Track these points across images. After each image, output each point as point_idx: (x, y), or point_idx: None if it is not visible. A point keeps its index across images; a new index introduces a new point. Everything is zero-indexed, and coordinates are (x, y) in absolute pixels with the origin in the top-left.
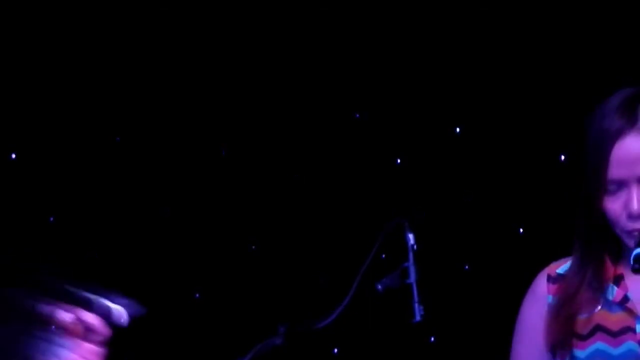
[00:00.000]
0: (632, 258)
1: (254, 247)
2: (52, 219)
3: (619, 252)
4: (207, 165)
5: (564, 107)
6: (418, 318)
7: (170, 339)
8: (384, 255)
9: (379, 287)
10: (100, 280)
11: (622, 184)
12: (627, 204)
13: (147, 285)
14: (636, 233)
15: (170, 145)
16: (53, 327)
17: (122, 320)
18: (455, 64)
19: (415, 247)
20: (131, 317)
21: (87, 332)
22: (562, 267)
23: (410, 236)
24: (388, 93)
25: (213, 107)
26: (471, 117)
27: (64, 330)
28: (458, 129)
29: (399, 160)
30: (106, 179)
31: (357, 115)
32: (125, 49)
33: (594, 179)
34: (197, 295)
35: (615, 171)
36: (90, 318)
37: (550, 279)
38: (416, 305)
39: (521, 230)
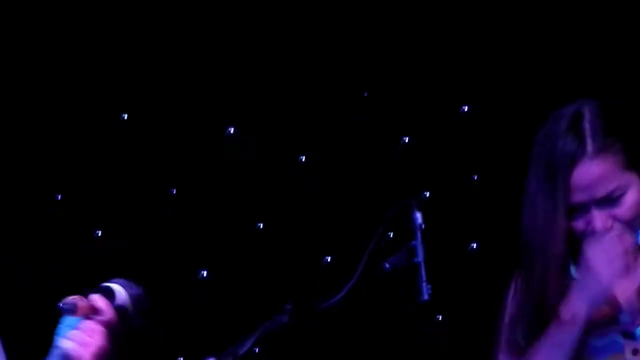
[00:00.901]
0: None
1: (261, 225)
2: (58, 197)
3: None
4: (213, 143)
5: (569, 88)
6: (426, 297)
7: (177, 318)
8: (391, 234)
9: (387, 266)
10: (109, 261)
11: (581, 207)
12: (589, 223)
13: (154, 265)
14: None
15: (177, 124)
16: (61, 304)
17: (123, 300)
18: (460, 48)
19: (423, 225)
20: (132, 297)
21: (91, 311)
22: None
23: (418, 215)
24: (395, 72)
25: (219, 85)
26: (478, 97)
27: (71, 308)
28: (465, 108)
29: (406, 139)
30: (110, 159)
31: (365, 94)
32: (126, 46)
33: (553, 202)
34: (204, 274)
35: (573, 196)
36: (95, 298)
37: None
38: (424, 284)
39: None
